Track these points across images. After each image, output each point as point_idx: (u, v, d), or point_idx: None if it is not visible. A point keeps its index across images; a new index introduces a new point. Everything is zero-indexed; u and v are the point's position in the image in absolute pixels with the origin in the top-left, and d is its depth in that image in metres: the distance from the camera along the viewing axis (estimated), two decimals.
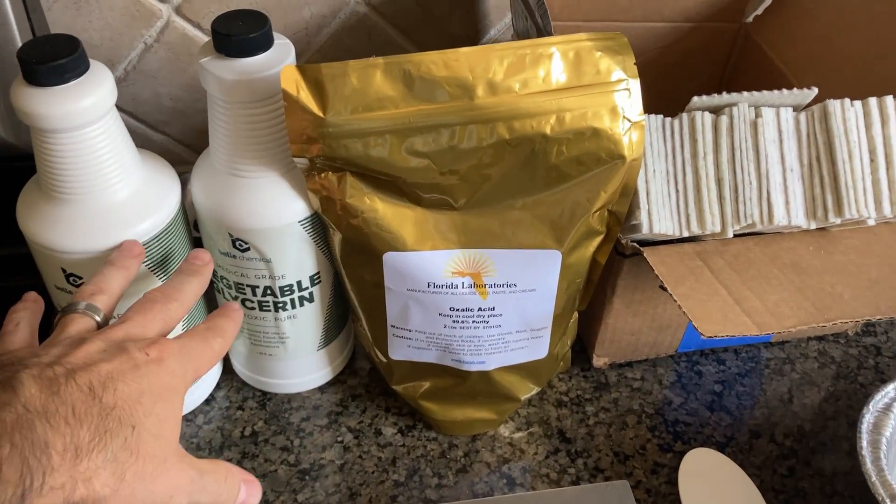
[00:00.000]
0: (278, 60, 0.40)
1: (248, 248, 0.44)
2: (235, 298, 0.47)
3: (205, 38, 0.60)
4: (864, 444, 0.42)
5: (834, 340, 0.57)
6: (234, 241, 0.44)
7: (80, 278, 0.41)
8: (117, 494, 0.29)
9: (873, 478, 0.41)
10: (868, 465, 0.41)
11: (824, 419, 0.52)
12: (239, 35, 0.39)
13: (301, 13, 0.62)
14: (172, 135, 0.67)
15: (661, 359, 0.55)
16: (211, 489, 0.33)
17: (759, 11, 0.64)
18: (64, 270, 0.41)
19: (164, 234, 0.43)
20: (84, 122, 0.38)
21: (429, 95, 0.39)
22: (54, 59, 0.37)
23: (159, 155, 0.45)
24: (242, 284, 0.46)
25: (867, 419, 0.44)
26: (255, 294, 0.46)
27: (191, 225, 0.46)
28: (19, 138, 0.53)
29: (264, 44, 0.40)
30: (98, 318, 0.35)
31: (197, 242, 0.46)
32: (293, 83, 0.38)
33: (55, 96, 0.37)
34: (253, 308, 0.47)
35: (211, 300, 0.49)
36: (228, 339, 0.37)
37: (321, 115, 0.38)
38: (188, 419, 0.51)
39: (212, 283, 0.47)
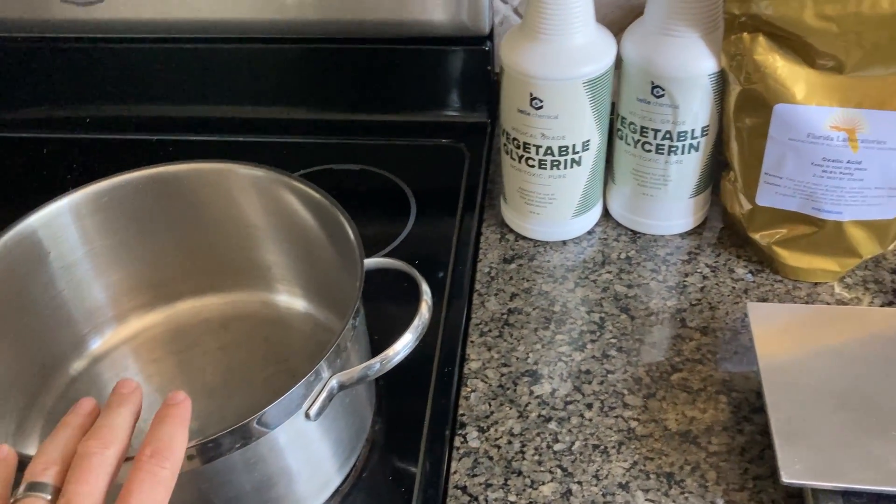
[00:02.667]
0: None
1: (662, 95, 0.57)
2: (637, 142, 0.60)
3: None
4: None
5: None
6: (653, 88, 0.57)
7: (542, 101, 0.56)
8: None
9: None
10: None
11: None
12: None
13: None
14: None
15: None
16: None
17: None
18: (531, 94, 0.57)
19: (602, 78, 0.56)
20: None
21: None
22: None
23: None
24: (647, 128, 0.59)
25: None
26: (655, 137, 0.59)
27: None
28: (475, 25, 0.71)
29: None
30: (48, 497, 0.33)
31: None
32: None
33: None
34: (650, 150, 0.60)
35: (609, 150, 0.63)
36: (178, 458, 0.35)
37: None
38: (575, 242, 0.65)
39: (613, 130, 0.60)
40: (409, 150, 0.76)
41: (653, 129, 0.59)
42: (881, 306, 0.58)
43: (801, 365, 0.49)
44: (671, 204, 0.63)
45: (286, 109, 0.80)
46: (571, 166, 0.60)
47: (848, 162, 0.54)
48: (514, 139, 0.60)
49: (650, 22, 0.56)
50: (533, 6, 0.55)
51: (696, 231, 0.65)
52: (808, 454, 0.45)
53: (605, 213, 0.67)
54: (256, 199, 0.52)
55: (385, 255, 0.63)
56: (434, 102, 0.77)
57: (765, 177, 0.57)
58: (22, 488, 0.34)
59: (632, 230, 0.65)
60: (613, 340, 0.57)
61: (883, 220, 0.57)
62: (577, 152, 0.59)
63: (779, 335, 0.51)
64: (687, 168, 0.60)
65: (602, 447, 0.50)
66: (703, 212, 0.65)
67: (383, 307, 0.52)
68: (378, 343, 0.52)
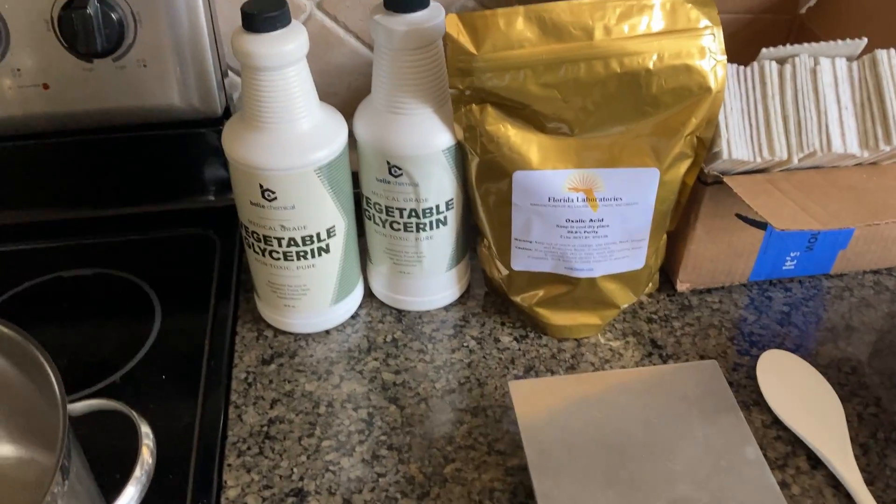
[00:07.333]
0: (434, 16, 0.51)
1: (400, 174, 0.54)
2: (385, 222, 0.57)
3: (341, 31, 0.71)
4: None
5: (888, 273, 0.65)
6: (390, 168, 0.54)
7: (273, 193, 0.52)
8: None
9: None
10: None
11: (881, 332, 0.60)
12: None
13: None
14: None
15: (735, 287, 0.64)
16: None
17: (812, 2, 0.74)
18: (261, 186, 0.52)
19: (336, 162, 0.53)
20: (286, 63, 0.49)
21: (558, 36, 0.49)
22: (269, 12, 0.48)
23: None
24: (392, 208, 0.56)
25: None
26: (401, 216, 0.56)
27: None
28: (207, 105, 0.65)
29: (425, 2, 0.51)
30: None
31: (354, 176, 0.57)
32: (455, 27, 0.49)
33: (269, 40, 0.48)
34: (398, 229, 0.57)
35: (360, 223, 0.59)
36: None
37: (475, 52, 0.49)
38: (339, 329, 0.61)
39: (361, 209, 0.57)
40: (151, 244, 0.69)
41: (398, 209, 0.56)
42: (641, 358, 0.58)
43: (568, 445, 0.47)
44: (430, 279, 0.60)
45: (4, 214, 0.70)
46: (320, 255, 0.56)
47: (590, 221, 0.54)
48: (254, 232, 0.55)
49: (377, 101, 0.54)
50: (248, 94, 0.50)
51: (461, 301, 0.63)
52: None
53: (369, 293, 0.63)
54: None
55: (128, 371, 0.56)
56: (175, 189, 0.71)
57: (515, 242, 0.56)
58: None
59: (397, 309, 0.62)
60: (383, 437, 0.53)
61: (632, 271, 0.58)
62: (323, 240, 0.55)
63: (543, 415, 0.49)
64: (439, 243, 0.58)
65: None
66: (465, 280, 0.63)
67: (118, 443, 0.44)
68: (118, 483, 0.45)
